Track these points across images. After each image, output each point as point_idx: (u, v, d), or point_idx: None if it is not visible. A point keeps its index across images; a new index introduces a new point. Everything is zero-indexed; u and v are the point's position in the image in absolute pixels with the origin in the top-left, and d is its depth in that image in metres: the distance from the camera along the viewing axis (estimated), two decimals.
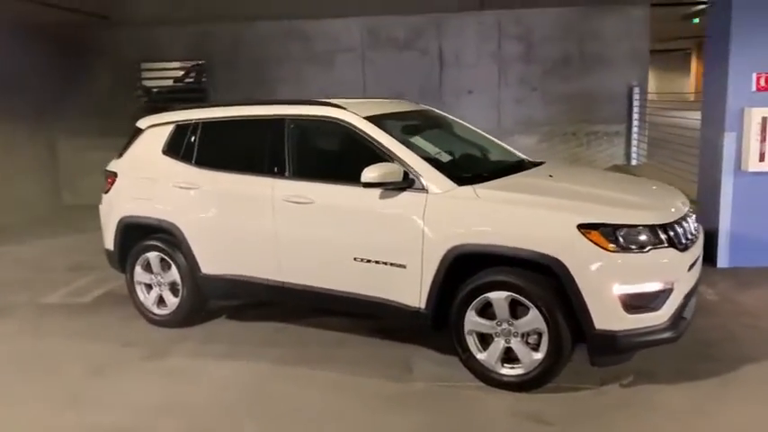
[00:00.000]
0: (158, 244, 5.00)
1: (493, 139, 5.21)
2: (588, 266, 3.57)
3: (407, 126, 4.71)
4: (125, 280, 5.26)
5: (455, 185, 3.99)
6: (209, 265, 4.80)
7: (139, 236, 5.11)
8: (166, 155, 5.04)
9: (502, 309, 3.82)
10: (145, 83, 11.03)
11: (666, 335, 3.68)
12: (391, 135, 4.26)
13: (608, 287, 3.57)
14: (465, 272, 3.92)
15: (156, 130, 5.19)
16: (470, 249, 3.84)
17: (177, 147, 5.00)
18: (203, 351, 4.64)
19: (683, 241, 3.78)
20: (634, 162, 10.22)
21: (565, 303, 3.67)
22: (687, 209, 4.11)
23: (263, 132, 4.64)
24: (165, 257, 4.98)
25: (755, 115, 5.88)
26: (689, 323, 3.88)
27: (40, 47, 9.80)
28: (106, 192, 5.35)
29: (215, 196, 4.74)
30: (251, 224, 4.60)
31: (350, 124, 4.35)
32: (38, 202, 9.97)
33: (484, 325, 3.90)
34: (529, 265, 3.74)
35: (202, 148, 4.90)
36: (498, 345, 3.87)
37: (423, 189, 4.02)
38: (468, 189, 3.96)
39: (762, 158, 5.94)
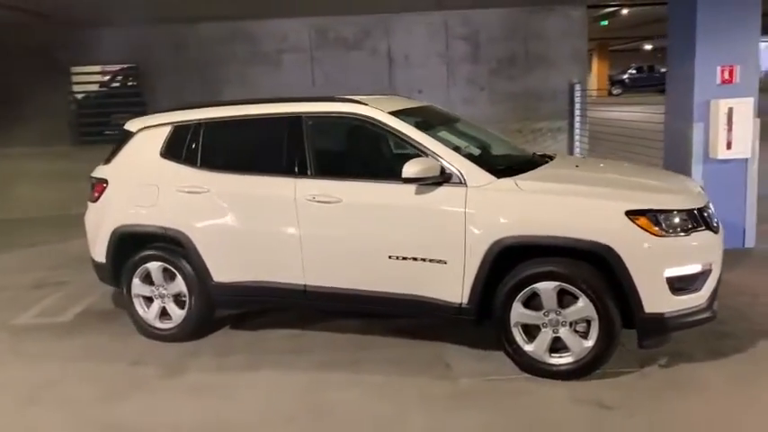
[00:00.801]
0: (160, 253, 4.68)
1: (496, 133, 5.24)
2: (638, 252, 3.66)
3: (424, 122, 4.65)
4: (109, 294, 4.87)
5: (494, 178, 3.98)
6: (223, 273, 4.54)
7: (136, 246, 4.76)
8: (166, 158, 4.73)
9: (550, 299, 3.83)
10: (75, 87, 10.38)
11: (706, 315, 3.83)
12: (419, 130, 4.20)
13: (657, 271, 3.68)
14: (506, 264, 3.92)
15: (149, 132, 4.86)
16: (517, 241, 3.84)
17: (178, 149, 4.70)
18: (223, 364, 4.38)
19: (716, 224, 3.95)
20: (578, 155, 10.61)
21: (613, 289, 3.74)
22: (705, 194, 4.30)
23: (278, 131, 4.45)
24: (169, 267, 4.67)
25: (722, 106, 6.24)
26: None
27: None
28: (94, 200, 4.95)
29: (227, 200, 4.49)
30: (270, 226, 4.39)
31: (376, 120, 4.25)
32: None
33: (531, 316, 3.90)
34: (576, 253, 3.79)
35: (209, 149, 4.63)
36: (546, 335, 3.89)
37: (461, 183, 3.98)
38: (508, 181, 3.96)
39: (729, 146, 6.30)
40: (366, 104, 4.33)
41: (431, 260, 4.03)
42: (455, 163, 4.03)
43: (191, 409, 3.80)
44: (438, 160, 4.01)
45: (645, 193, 3.86)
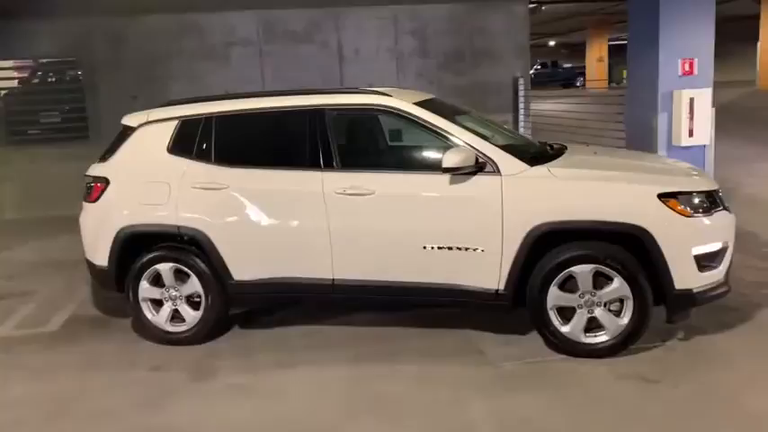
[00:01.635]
0: (172, 254, 4.47)
1: (502, 124, 5.35)
2: (670, 232, 3.87)
3: (442, 113, 4.68)
4: (88, 301, 4.61)
5: (527, 166, 4.07)
6: (244, 271, 4.39)
7: (143, 247, 4.52)
8: (174, 154, 4.52)
9: (586, 281, 3.98)
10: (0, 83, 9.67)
11: (724, 289, 4.11)
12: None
13: (687, 249, 3.91)
14: (541, 250, 4.04)
15: (152, 127, 4.62)
16: (555, 227, 3.96)
17: (188, 144, 4.50)
18: (253, 364, 4.24)
19: (727, 204, 4.24)
20: None
21: (645, 269, 3.94)
22: None
23: (300, 124, 4.35)
24: (182, 268, 4.47)
25: (684, 97, 6.68)
26: None
27: None
28: (93, 200, 4.64)
29: (247, 195, 4.34)
30: (297, 221, 4.30)
31: (403, 111, 4.25)
32: None
33: (567, 298, 4.03)
34: (611, 236, 3.95)
35: (223, 144, 4.46)
36: (582, 316, 4.03)
37: (495, 171, 4.05)
38: (541, 169, 4.07)
39: (690, 134, 6.76)
40: (390, 96, 4.32)
41: (467, 248, 4.08)
42: (488, 152, 4.09)
43: (242, 410, 3.67)
44: (472, 150, 4.07)
45: (672, 177, 4.09)
